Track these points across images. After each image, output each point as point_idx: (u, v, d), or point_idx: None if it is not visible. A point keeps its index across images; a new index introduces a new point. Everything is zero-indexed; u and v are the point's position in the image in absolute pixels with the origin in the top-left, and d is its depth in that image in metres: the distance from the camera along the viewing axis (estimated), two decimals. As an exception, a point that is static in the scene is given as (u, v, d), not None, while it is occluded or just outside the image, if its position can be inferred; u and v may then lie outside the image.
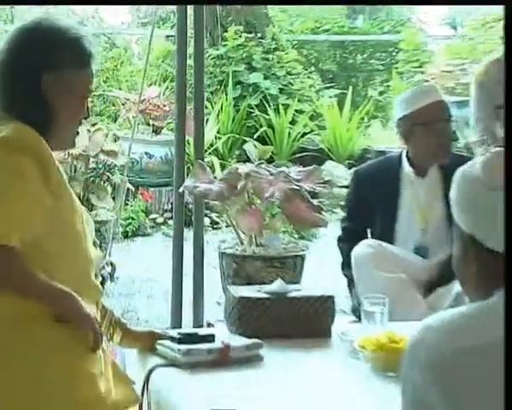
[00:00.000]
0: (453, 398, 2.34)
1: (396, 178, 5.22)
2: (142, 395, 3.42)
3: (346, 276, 5.11)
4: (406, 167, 5.24)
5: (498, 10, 10.16)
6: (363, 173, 5.50)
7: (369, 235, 5.27)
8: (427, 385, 2.35)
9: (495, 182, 2.44)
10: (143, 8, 12.67)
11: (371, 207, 5.21)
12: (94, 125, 8.42)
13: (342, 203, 8.96)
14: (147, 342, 3.58)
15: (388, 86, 13.06)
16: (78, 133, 3.37)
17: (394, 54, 14.01)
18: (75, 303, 3.07)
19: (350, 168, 10.39)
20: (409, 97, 5.31)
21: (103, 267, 6.67)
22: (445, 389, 2.34)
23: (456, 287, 4.41)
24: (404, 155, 5.28)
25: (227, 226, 5.99)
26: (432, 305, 4.89)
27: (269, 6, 12.85)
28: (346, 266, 5.19)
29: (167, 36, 9.33)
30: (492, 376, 2.31)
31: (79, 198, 6.54)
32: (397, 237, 5.19)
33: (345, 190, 8.85)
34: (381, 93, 13.12)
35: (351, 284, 5.07)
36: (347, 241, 5.25)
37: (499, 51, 6.00)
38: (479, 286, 2.47)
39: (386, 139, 11.21)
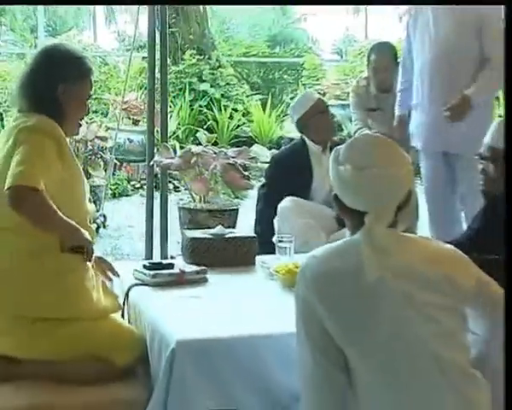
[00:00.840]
0: (329, 304, 2.34)
1: (306, 156, 5.14)
2: (124, 304, 3.41)
3: (256, 232, 4.85)
4: (312, 147, 5.16)
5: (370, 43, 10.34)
6: (280, 158, 5.50)
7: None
8: (311, 297, 2.36)
9: (342, 156, 2.47)
10: (127, 38, 12.53)
11: (288, 180, 5.06)
12: (91, 119, 8.39)
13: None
14: (99, 265, 3.43)
15: (296, 94, 12.71)
16: (81, 125, 3.44)
17: (300, 71, 13.95)
18: (79, 231, 3.08)
19: (270, 149, 10.50)
20: (297, 104, 5.30)
21: (98, 218, 6.65)
22: (322, 297, 2.35)
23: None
24: (306, 139, 5.23)
25: (184, 189, 6.01)
26: (333, 241, 4.84)
27: (214, 36, 12.84)
28: (259, 223, 5.15)
29: (143, 57, 9.33)
30: (356, 287, 2.33)
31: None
32: (312, 196, 5.12)
33: (266, 165, 9.14)
34: (291, 98, 13.01)
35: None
36: (265, 205, 5.18)
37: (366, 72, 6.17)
38: (349, 228, 2.51)
39: (294, 130, 11.45)
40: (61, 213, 3.02)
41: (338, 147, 2.56)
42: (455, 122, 4.69)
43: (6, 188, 2.93)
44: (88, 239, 3.14)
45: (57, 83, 3.23)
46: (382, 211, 2.40)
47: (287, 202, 4.98)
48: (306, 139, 5.25)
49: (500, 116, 6.10)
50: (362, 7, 51.81)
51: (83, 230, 3.12)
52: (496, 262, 3.49)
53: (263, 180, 8.78)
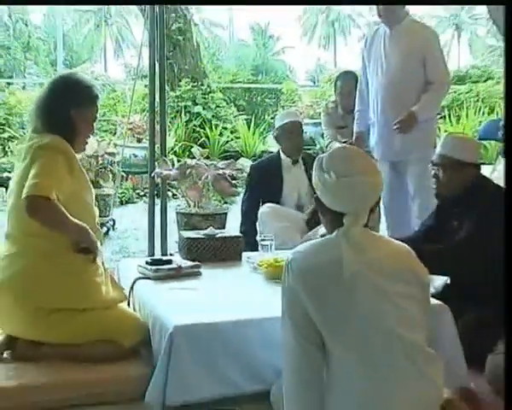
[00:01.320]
0: (312, 293, 2.34)
1: (279, 166, 5.12)
2: (129, 295, 3.42)
3: (241, 232, 4.73)
4: (284, 159, 5.15)
5: (338, 71, 10.37)
6: (256, 167, 5.42)
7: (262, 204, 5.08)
8: (297, 287, 2.35)
9: (325, 165, 2.45)
10: (132, 69, 12.50)
11: (263, 188, 5.07)
12: (101, 137, 8.45)
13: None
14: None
15: (276, 115, 12.94)
16: (87, 143, 3.39)
17: (279, 95, 13.92)
18: (88, 233, 3.06)
19: (254, 161, 10.55)
20: (280, 116, 5.32)
21: (108, 222, 6.68)
22: (306, 286, 2.35)
23: (321, 230, 4.32)
24: (280, 151, 5.21)
25: (181, 196, 6.01)
26: (306, 241, 4.82)
27: (205, 66, 12.70)
28: (243, 224, 5.09)
29: (145, 85, 9.35)
30: (335, 279, 2.32)
31: (92, 181, 6.65)
32: (283, 201, 5.05)
33: None
34: (272, 118, 13.11)
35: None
36: (246, 208, 5.14)
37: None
38: (327, 227, 2.52)
39: (275, 145, 11.43)
40: (71, 217, 3.01)
41: (320, 156, 2.55)
42: (404, 134, 4.70)
43: (23, 198, 2.93)
44: (94, 241, 3.13)
45: (70, 107, 3.21)
46: (359, 213, 2.41)
47: (265, 208, 4.98)
48: (281, 151, 5.24)
49: (446, 131, 6.16)
50: (331, 42, 52.16)
51: (91, 232, 3.11)
52: (444, 251, 3.55)
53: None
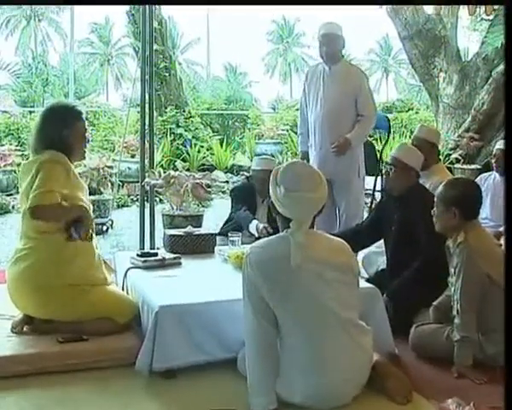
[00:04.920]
0: (267, 280, 2.35)
1: (254, 190, 4.52)
2: (123, 281, 3.37)
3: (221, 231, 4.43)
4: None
5: (294, 101, 10.38)
6: (237, 188, 4.85)
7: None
8: (254, 275, 2.36)
9: (279, 179, 2.43)
10: (128, 99, 12.36)
11: (240, 206, 4.49)
12: (102, 153, 8.35)
13: (222, 190, 8.79)
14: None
15: (244, 136, 12.86)
16: (85, 152, 3.29)
17: (246, 120, 13.79)
18: (86, 209, 3.08)
19: (225, 173, 10.37)
20: (256, 162, 4.66)
21: (107, 222, 6.50)
22: (262, 275, 2.35)
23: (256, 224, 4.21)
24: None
25: (166, 201, 5.94)
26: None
27: (187, 96, 12.55)
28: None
29: (138, 111, 9.32)
30: (285, 269, 2.32)
31: (94, 188, 6.52)
32: (257, 218, 4.38)
33: (222, 184, 8.73)
34: (241, 138, 13.05)
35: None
36: (232, 222, 4.52)
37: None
38: (281, 226, 2.50)
39: (242, 159, 11.35)
40: (66, 203, 3.01)
41: (276, 168, 2.51)
42: (338, 157, 4.61)
43: (28, 207, 2.94)
44: (91, 218, 3.11)
45: (61, 128, 3.14)
46: (303, 221, 2.40)
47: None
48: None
49: (378, 150, 6.12)
50: (288, 78, 52.27)
51: (89, 209, 3.12)
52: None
53: (221, 194, 8.94)
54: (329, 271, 2.39)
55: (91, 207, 3.24)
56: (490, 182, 4.83)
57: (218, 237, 4.02)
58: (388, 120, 6.21)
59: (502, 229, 4.65)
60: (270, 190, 2.48)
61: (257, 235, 4.01)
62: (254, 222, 4.26)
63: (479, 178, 4.85)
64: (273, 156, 9.89)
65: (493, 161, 4.76)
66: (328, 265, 2.39)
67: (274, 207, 2.49)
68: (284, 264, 2.33)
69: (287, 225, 2.42)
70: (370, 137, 7.07)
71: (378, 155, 5.95)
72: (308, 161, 4.80)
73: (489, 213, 4.58)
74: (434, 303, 3.15)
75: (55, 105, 3.42)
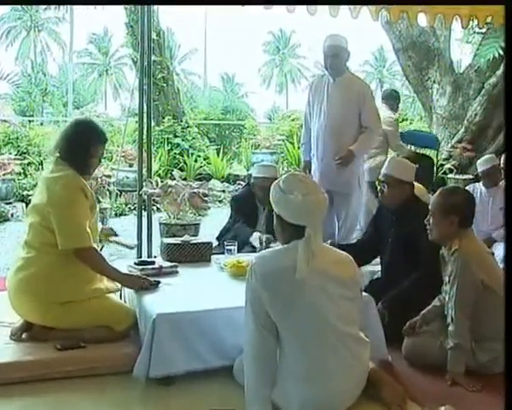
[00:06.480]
0: (270, 292, 2.32)
1: (254, 199, 4.45)
2: (121, 290, 3.36)
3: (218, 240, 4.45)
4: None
5: (290, 111, 10.41)
6: (237, 197, 4.73)
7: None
8: (258, 286, 2.34)
9: (287, 188, 2.39)
10: (126, 108, 12.29)
11: (240, 216, 4.41)
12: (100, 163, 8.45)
13: (219, 199, 8.77)
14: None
15: (240, 145, 12.86)
16: (94, 171, 3.38)
17: (242, 130, 13.70)
18: (133, 280, 3.19)
19: (222, 182, 10.32)
20: (257, 168, 4.56)
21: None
22: (266, 286, 2.33)
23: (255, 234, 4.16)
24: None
25: (163, 210, 5.92)
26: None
27: (184, 106, 12.48)
28: (219, 237, 4.50)
29: (136, 121, 9.35)
30: (289, 281, 2.30)
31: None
32: (257, 226, 4.35)
33: (219, 194, 8.71)
34: (237, 148, 13.01)
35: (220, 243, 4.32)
36: (229, 230, 4.46)
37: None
38: (283, 239, 2.46)
39: (239, 168, 11.36)
40: (108, 265, 3.13)
41: (276, 183, 2.47)
42: (341, 168, 4.59)
43: (71, 248, 2.99)
44: (140, 282, 3.17)
45: (90, 144, 3.17)
46: (318, 226, 2.38)
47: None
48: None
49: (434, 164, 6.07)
50: (284, 88, 52.34)
51: (134, 278, 3.22)
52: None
53: (218, 204, 8.92)
54: (333, 285, 2.36)
55: (99, 225, 3.28)
56: (477, 192, 4.91)
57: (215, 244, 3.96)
58: (437, 140, 6.17)
59: (494, 235, 4.75)
60: (275, 202, 2.43)
61: (259, 247, 3.96)
62: (255, 234, 4.20)
63: (467, 187, 4.89)
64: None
65: (484, 174, 4.87)
66: (332, 279, 2.37)
67: (279, 220, 2.43)
68: (289, 276, 2.31)
69: (297, 236, 2.37)
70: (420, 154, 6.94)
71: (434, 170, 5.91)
72: (310, 170, 4.80)
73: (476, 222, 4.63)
74: (423, 311, 3.15)
75: (90, 121, 3.44)
